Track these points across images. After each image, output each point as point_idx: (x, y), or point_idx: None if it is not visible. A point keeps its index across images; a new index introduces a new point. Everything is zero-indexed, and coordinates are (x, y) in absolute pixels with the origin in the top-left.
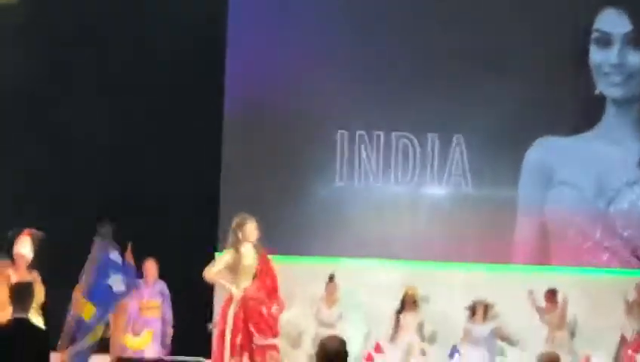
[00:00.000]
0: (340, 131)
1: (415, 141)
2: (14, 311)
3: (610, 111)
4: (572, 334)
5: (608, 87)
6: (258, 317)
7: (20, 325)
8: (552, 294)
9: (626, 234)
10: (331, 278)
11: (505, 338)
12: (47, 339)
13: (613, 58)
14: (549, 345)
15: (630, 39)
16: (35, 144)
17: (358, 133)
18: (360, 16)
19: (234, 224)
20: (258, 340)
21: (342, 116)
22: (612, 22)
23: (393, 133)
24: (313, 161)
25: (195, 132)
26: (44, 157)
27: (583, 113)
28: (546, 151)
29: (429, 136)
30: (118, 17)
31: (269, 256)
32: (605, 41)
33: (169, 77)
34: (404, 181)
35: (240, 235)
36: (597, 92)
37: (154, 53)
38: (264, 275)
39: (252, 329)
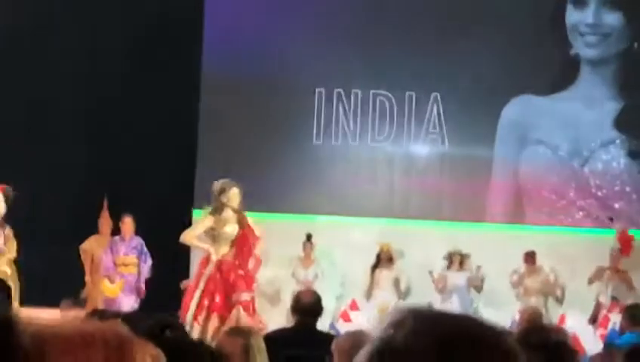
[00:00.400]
0: (317, 89)
1: (392, 99)
2: None
3: (586, 72)
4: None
5: (584, 48)
6: (234, 277)
7: None
8: (530, 256)
9: (599, 193)
10: (309, 238)
11: (476, 285)
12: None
13: (589, 18)
14: (523, 304)
15: (606, 0)
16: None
17: (335, 91)
18: None
19: (217, 189)
20: (233, 297)
21: (319, 75)
22: None
23: (371, 92)
24: (290, 119)
25: (173, 93)
26: (20, 118)
27: (559, 73)
28: (521, 109)
29: (407, 94)
30: None
31: (250, 221)
32: (581, 1)
33: (147, 37)
34: (381, 139)
35: (223, 200)
36: (573, 52)
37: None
38: (242, 243)
39: (227, 288)
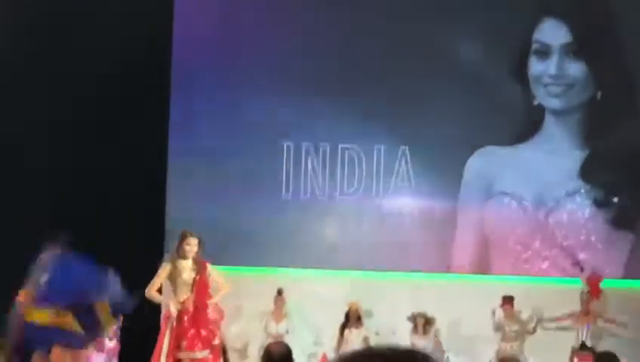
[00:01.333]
0: (285, 143)
1: (361, 153)
2: None
3: (550, 122)
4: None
5: (547, 98)
6: (192, 333)
7: None
8: (509, 300)
9: (565, 244)
10: (279, 292)
11: (440, 350)
12: None
13: (552, 69)
14: (500, 352)
15: (569, 50)
16: None
17: (303, 145)
18: (307, 30)
19: (178, 240)
20: (181, 354)
21: (287, 129)
22: (551, 33)
23: (339, 145)
24: (259, 174)
25: (142, 154)
26: None
27: (523, 123)
28: (486, 160)
29: (376, 147)
30: None
31: (211, 267)
32: (544, 52)
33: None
34: (350, 192)
35: (179, 251)
36: (536, 103)
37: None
38: (200, 290)
39: (183, 344)
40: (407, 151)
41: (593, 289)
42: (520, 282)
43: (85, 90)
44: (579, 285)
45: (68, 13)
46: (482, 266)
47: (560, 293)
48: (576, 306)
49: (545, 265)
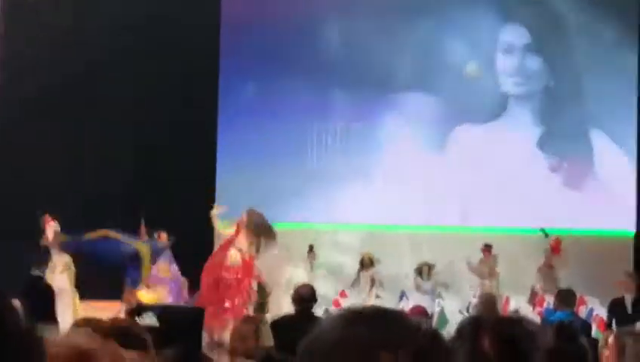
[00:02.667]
0: (311, 124)
1: (370, 130)
2: None
3: (513, 105)
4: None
5: (512, 86)
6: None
7: None
8: (487, 247)
9: (527, 199)
10: (311, 248)
11: (443, 285)
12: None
13: (515, 63)
14: (480, 289)
15: (528, 48)
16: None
17: (325, 125)
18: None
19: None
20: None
21: (313, 112)
22: (514, 34)
23: (353, 124)
24: (292, 148)
25: (195, 138)
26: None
27: (493, 106)
28: (465, 135)
29: (380, 125)
30: None
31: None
32: (509, 50)
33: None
34: (360, 161)
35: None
36: (502, 90)
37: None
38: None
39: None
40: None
41: (554, 249)
42: (493, 232)
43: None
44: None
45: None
46: (463, 218)
47: (527, 241)
48: (534, 250)
49: (510, 216)
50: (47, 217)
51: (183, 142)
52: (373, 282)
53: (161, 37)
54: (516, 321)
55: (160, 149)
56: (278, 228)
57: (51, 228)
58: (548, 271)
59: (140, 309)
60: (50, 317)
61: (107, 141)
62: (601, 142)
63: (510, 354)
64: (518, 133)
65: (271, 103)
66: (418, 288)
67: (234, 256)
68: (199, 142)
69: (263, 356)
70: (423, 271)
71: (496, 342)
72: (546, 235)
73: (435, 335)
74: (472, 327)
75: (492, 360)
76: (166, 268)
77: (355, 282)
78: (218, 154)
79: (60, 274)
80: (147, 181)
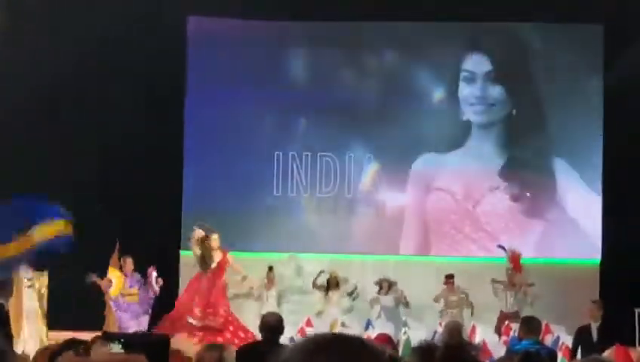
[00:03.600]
0: (276, 153)
1: (336, 159)
2: None
3: (476, 133)
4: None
5: (473, 115)
6: None
7: None
8: (449, 278)
9: (489, 228)
10: (270, 269)
11: (403, 302)
12: None
13: (477, 92)
14: (445, 318)
15: (490, 77)
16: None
17: (290, 153)
18: (295, 60)
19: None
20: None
21: (277, 141)
22: (476, 63)
23: (318, 154)
24: (255, 177)
25: (162, 159)
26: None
27: (455, 135)
28: (426, 164)
29: (347, 155)
30: None
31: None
32: (471, 79)
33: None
34: (327, 191)
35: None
36: (465, 118)
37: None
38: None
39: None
40: (372, 158)
41: (515, 265)
42: (453, 261)
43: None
44: (502, 262)
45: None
46: (424, 248)
47: (486, 269)
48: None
49: (474, 246)
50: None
51: (147, 169)
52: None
53: (126, 59)
54: (464, 346)
55: (124, 169)
56: (240, 256)
57: None
58: (511, 288)
59: (106, 337)
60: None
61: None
62: (564, 171)
63: None
64: (480, 161)
65: (235, 128)
66: (377, 302)
67: None
68: (164, 170)
69: None
70: (383, 286)
71: None
72: (504, 249)
73: None
74: (424, 354)
75: None
76: (135, 292)
77: (323, 305)
78: (184, 181)
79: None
80: (113, 204)
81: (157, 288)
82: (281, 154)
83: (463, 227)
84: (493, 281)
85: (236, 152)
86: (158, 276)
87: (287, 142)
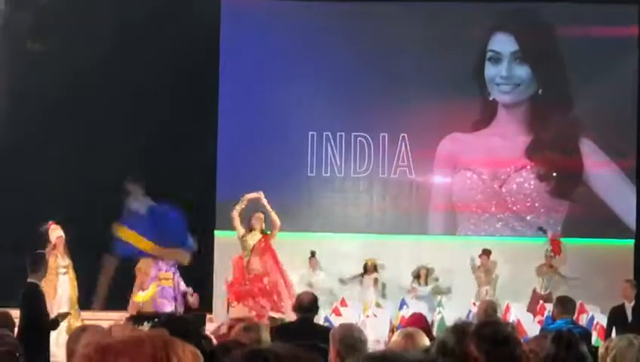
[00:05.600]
0: (310, 133)
1: (370, 139)
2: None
3: (502, 113)
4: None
5: (499, 95)
6: None
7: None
8: (486, 252)
9: (515, 208)
10: (313, 254)
11: (442, 293)
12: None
13: (503, 72)
14: (479, 297)
15: (516, 57)
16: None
17: (324, 133)
18: (329, 44)
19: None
20: None
21: (312, 121)
22: (502, 43)
23: (352, 134)
24: (290, 156)
25: (198, 138)
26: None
27: (482, 114)
28: (452, 144)
29: (381, 135)
30: None
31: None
32: (497, 59)
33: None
34: (361, 171)
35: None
36: (491, 98)
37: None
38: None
39: None
40: (406, 138)
41: (555, 248)
42: (480, 240)
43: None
44: (529, 242)
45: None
46: (451, 228)
47: (510, 248)
48: (524, 258)
49: (499, 225)
50: (51, 223)
51: (181, 150)
52: (375, 283)
53: (160, 37)
54: (497, 323)
55: (160, 156)
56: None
57: (55, 231)
58: (548, 271)
59: (139, 318)
60: (45, 326)
61: (102, 151)
62: (591, 151)
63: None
64: (506, 141)
65: (269, 109)
66: (414, 292)
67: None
68: (198, 150)
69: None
70: (421, 274)
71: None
72: (544, 232)
73: None
74: (458, 331)
75: None
76: (169, 276)
77: (354, 280)
78: (218, 161)
79: (62, 276)
80: (146, 185)
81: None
82: (315, 134)
83: (489, 207)
84: (538, 271)
85: (270, 133)
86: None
87: (321, 122)
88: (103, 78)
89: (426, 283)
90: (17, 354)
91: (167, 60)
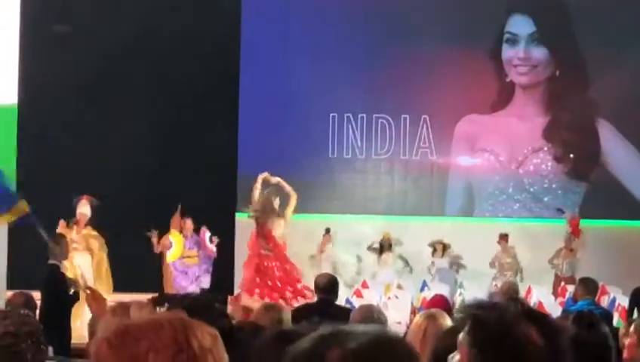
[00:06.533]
0: (331, 114)
1: (391, 121)
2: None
3: (519, 95)
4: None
5: (517, 76)
6: None
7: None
8: (504, 237)
9: (532, 190)
10: (327, 231)
11: (457, 264)
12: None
13: (521, 53)
14: (499, 280)
15: (534, 38)
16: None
17: (345, 115)
18: (350, 25)
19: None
20: None
21: (333, 103)
22: (519, 25)
23: (374, 115)
24: (311, 138)
25: (219, 124)
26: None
27: (498, 96)
28: (470, 125)
29: (402, 117)
30: None
31: None
32: (514, 40)
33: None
34: (382, 153)
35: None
36: (508, 80)
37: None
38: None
39: None
40: (428, 120)
41: (574, 230)
42: (498, 222)
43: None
44: (545, 223)
45: None
46: (468, 209)
47: (528, 229)
48: (542, 240)
49: (516, 206)
50: (83, 197)
51: (203, 131)
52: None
53: (182, 15)
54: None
55: (182, 139)
56: (295, 218)
57: (81, 207)
58: (568, 253)
59: (162, 298)
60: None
61: (126, 130)
62: (608, 133)
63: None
64: (523, 123)
65: (290, 89)
66: (432, 266)
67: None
68: (219, 132)
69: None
70: (437, 248)
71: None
72: (563, 213)
73: None
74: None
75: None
76: (194, 254)
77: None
78: (239, 143)
79: (77, 253)
80: (168, 166)
81: (212, 247)
82: (336, 115)
83: (507, 188)
84: (551, 262)
85: (291, 114)
86: (212, 235)
87: (342, 103)
88: (128, 58)
89: (443, 257)
90: (39, 334)
91: (190, 40)
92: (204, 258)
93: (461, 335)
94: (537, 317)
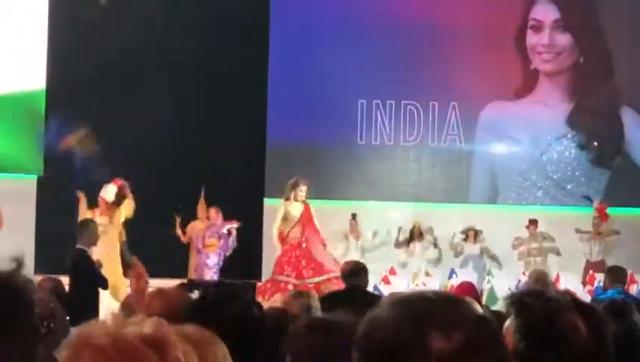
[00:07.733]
0: (360, 101)
1: (419, 107)
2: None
3: (543, 82)
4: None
5: (541, 63)
6: None
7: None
8: (533, 223)
9: (555, 177)
10: (354, 216)
11: (490, 256)
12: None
13: (545, 40)
14: (528, 267)
15: (558, 25)
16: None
17: (374, 102)
18: (379, 13)
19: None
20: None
21: (362, 90)
22: (543, 12)
23: (402, 102)
24: (340, 125)
25: (246, 109)
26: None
27: (523, 83)
28: (495, 112)
29: (430, 103)
30: None
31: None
32: (538, 27)
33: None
34: (411, 139)
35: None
36: (532, 67)
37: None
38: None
39: None
40: (456, 106)
41: (601, 215)
42: (521, 209)
43: None
44: (570, 211)
45: None
46: (492, 196)
47: (552, 216)
48: (566, 227)
49: (540, 193)
50: (114, 180)
51: (231, 119)
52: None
53: (213, 9)
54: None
55: (209, 125)
56: (323, 204)
57: (105, 191)
58: (596, 237)
59: (192, 285)
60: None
61: (154, 113)
62: (632, 120)
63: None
64: (547, 110)
65: (319, 76)
66: (463, 252)
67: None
68: (247, 119)
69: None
70: (469, 235)
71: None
72: (590, 201)
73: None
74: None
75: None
76: (214, 243)
77: (406, 255)
78: (267, 129)
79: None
80: (196, 152)
81: (229, 242)
82: (365, 102)
83: (530, 175)
84: (578, 231)
85: (320, 100)
86: (230, 228)
87: (371, 90)
88: (156, 41)
89: (475, 243)
90: (47, 321)
91: (219, 22)
92: (222, 249)
93: (507, 321)
94: (585, 308)
